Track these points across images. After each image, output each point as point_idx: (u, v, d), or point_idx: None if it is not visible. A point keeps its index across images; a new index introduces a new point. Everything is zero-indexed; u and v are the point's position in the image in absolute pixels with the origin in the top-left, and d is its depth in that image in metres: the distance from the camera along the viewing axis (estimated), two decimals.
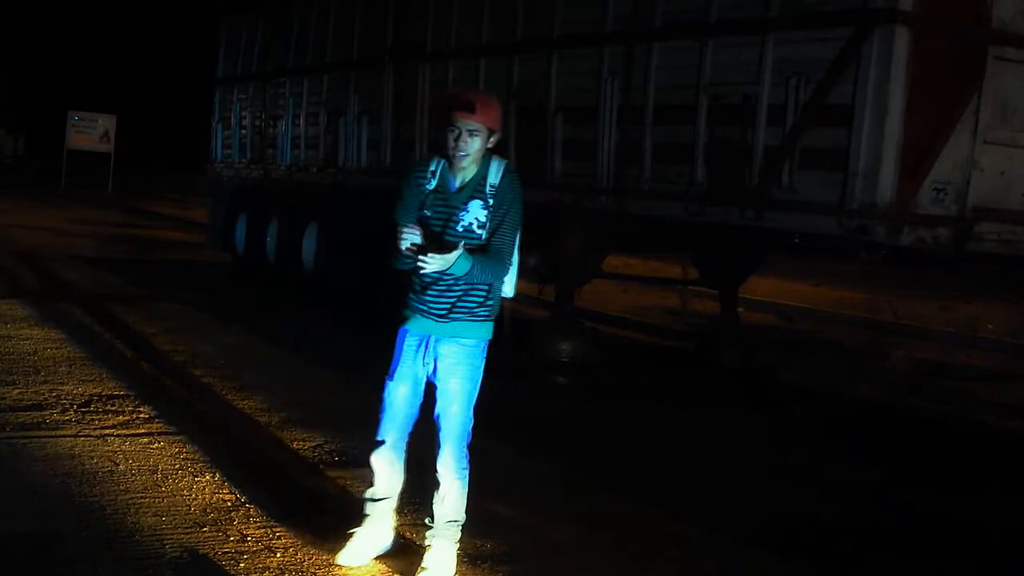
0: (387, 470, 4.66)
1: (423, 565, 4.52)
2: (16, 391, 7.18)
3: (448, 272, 4.37)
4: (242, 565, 4.55)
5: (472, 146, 4.41)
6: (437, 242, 4.36)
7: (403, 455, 4.67)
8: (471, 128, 4.39)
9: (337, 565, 4.61)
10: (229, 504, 5.30)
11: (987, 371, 10.27)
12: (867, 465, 6.96)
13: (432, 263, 4.27)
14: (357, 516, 5.09)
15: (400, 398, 4.59)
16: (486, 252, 4.42)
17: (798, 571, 5.13)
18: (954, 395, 9.24)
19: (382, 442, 4.63)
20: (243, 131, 16.19)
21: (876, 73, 6.94)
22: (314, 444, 6.52)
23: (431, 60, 11.35)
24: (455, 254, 4.28)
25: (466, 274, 4.37)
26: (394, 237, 4.42)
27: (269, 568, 4.54)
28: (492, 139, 4.47)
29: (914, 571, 5.30)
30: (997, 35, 7.23)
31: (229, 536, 4.87)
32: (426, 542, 4.59)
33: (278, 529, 5.00)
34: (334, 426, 6.98)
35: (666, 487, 6.21)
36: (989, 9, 7.19)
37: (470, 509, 4.76)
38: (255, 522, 5.07)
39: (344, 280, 12.62)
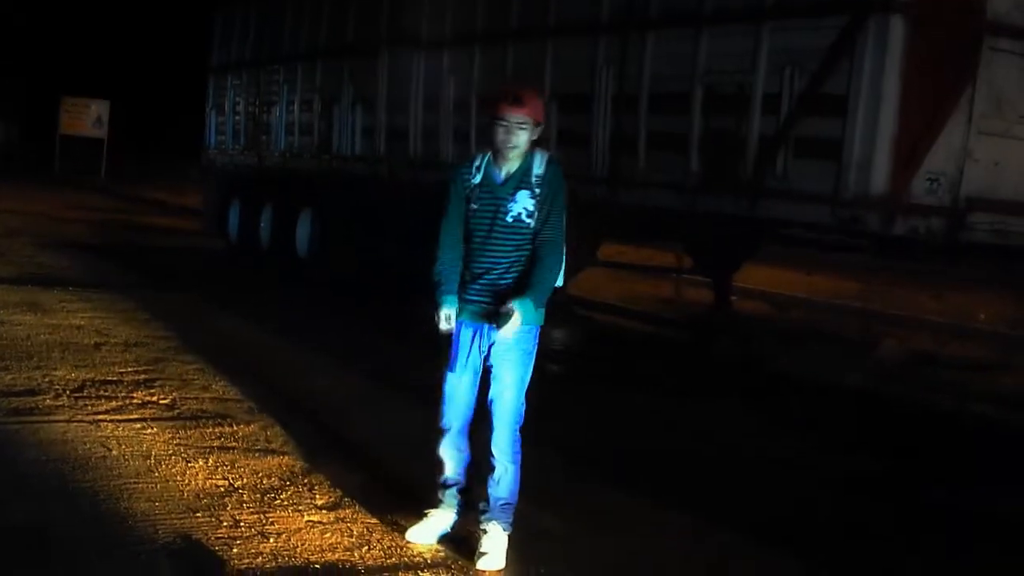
0: (454, 456, 4.81)
1: (481, 550, 4.61)
2: (9, 376, 7.18)
3: (508, 260, 4.58)
4: (235, 550, 4.55)
5: (520, 138, 4.57)
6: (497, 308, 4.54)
7: (467, 439, 4.82)
8: (519, 121, 4.56)
9: (330, 551, 4.63)
10: (222, 490, 5.31)
11: (980, 361, 10.29)
12: (863, 456, 6.95)
13: (508, 328, 4.49)
14: (351, 502, 5.13)
15: (463, 388, 4.74)
16: (540, 249, 4.57)
17: (795, 563, 5.11)
18: (948, 385, 9.25)
19: (446, 430, 4.79)
20: (237, 117, 16.18)
21: (871, 63, 6.95)
22: (308, 430, 6.52)
23: (426, 48, 11.34)
24: (516, 319, 4.46)
25: (542, 301, 4.59)
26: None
27: (262, 554, 4.54)
28: (537, 131, 4.63)
29: (912, 564, 5.31)
30: (992, 26, 7.24)
31: (222, 522, 4.88)
32: (481, 526, 4.68)
33: (271, 515, 5.01)
34: (328, 411, 7.00)
35: (661, 476, 6.21)
36: (984, 0, 7.19)
37: (468, 496, 4.83)
38: (248, 508, 5.08)
39: (337, 266, 12.65)
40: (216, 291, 12.11)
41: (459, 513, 4.86)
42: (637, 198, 8.75)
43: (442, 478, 4.84)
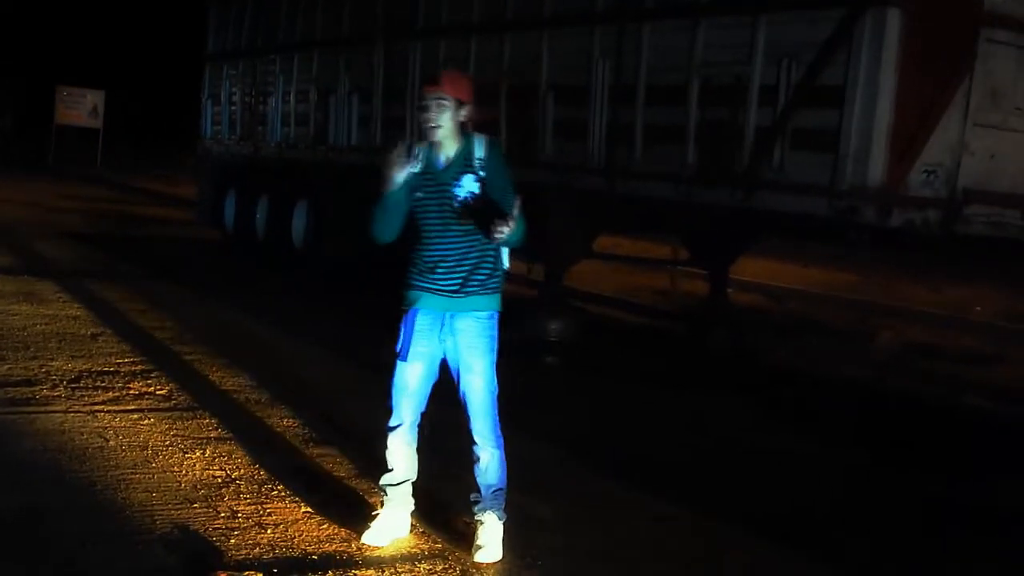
0: (405, 453, 4.70)
1: (478, 542, 4.59)
2: (6, 366, 7.18)
3: (463, 246, 4.48)
4: (232, 541, 4.56)
5: (442, 117, 4.50)
6: (493, 210, 4.38)
7: (416, 436, 4.71)
8: (437, 98, 4.49)
9: (327, 543, 4.63)
10: (219, 480, 5.31)
11: (975, 353, 10.31)
12: (860, 448, 6.95)
13: (506, 229, 4.28)
14: (347, 493, 5.14)
15: (415, 378, 4.63)
16: None
17: (792, 554, 5.12)
18: (944, 377, 9.27)
19: (398, 425, 4.67)
20: (233, 107, 16.13)
21: (868, 55, 6.95)
22: (304, 420, 6.52)
23: (422, 38, 11.33)
24: (516, 214, 4.32)
25: (519, 237, 4.40)
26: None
27: (259, 544, 4.55)
28: (463, 112, 4.54)
29: (908, 556, 5.32)
30: (989, 18, 7.23)
31: (219, 512, 4.88)
32: (476, 517, 4.65)
33: (268, 506, 5.01)
34: (324, 402, 7.00)
35: (657, 468, 6.22)
36: None
37: (461, 486, 4.83)
38: (245, 499, 5.08)
39: (333, 258, 12.64)
40: (212, 281, 12.10)
41: (413, 511, 4.77)
42: (633, 189, 8.74)
43: (388, 477, 4.70)
